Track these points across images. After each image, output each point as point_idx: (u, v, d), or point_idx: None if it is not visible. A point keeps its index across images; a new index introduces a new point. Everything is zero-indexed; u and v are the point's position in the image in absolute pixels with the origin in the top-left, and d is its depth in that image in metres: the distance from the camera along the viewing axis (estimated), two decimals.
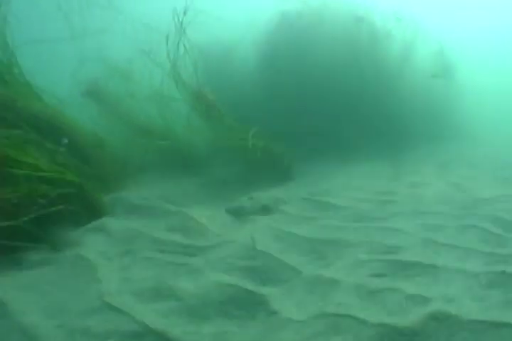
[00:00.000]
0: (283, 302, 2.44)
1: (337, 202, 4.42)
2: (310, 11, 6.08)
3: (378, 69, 6.04)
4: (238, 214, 4.28)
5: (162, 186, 4.98)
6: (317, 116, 5.77)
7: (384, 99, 6.00)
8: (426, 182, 5.01)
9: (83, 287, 2.54)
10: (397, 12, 6.34)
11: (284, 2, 6.25)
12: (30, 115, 3.83)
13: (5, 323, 2.12)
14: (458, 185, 4.78)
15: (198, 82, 4.67)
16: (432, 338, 2.03)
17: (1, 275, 2.68)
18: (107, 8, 5.08)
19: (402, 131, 6.05)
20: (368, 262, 2.86)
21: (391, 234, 3.33)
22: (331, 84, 5.81)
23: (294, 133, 5.79)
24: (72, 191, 3.48)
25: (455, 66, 7.08)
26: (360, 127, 5.91)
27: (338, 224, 3.70)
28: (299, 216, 4.09)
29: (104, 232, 3.44)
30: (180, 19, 4.47)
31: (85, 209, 3.60)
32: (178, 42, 4.47)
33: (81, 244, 3.17)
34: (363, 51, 5.95)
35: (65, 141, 3.71)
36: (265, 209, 4.42)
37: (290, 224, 3.80)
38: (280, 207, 4.40)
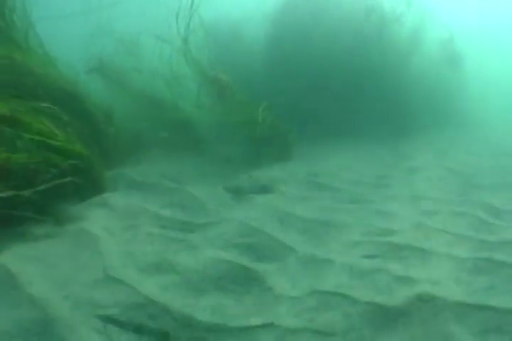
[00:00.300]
0: (277, 279, 2.56)
1: (334, 183, 4.52)
2: None
3: (385, 53, 6.00)
4: (237, 192, 4.38)
5: (164, 163, 5.06)
6: (320, 98, 5.79)
7: (389, 83, 5.99)
8: (423, 167, 5.09)
9: (87, 260, 2.65)
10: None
11: None
12: (48, 83, 3.86)
13: (16, 294, 2.24)
14: (455, 172, 4.86)
15: (208, 58, 4.66)
16: (417, 317, 2.16)
17: (7, 247, 2.78)
18: None
19: (406, 117, 6.09)
20: (362, 243, 2.98)
21: (385, 217, 3.44)
22: (336, 66, 5.80)
23: (296, 114, 5.82)
24: (81, 164, 3.54)
25: (463, 53, 7.00)
26: (363, 111, 5.93)
27: (334, 206, 3.81)
28: (297, 196, 4.19)
29: (107, 207, 3.53)
30: None
31: (90, 184, 3.67)
32: (190, 19, 4.44)
33: (84, 219, 3.27)
34: (370, 34, 5.90)
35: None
36: (264, 189, 4.52)
37: (287, 204, 3.90)
38: (278, 187, 4.50)
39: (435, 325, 2.12)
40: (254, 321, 2.14)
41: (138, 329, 2.06)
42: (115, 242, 2.99)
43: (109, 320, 2.09)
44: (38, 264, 2.60)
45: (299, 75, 5.76)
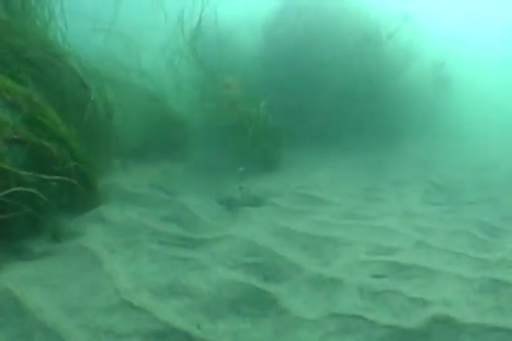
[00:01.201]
0: (291, 300, 2.56)
1: (326, 196, 4.57)
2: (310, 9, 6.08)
3: (376, 68, 6.14)
4: (230, 204, 4.35)
5: (153, 170, 4.94)
6: (306, 108, 5.85)
7: (379, 95, 6.13)
8: (409, 181, 5.23)
9: (95, 282, 2.55)
10: (404, 11, 6.38)
11: None
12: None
13: (25, 322, 2.12)
14: (441, 187, 5.02)
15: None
16: (436, 338, 2.21)
17: (5, 266, 2.64)
18: None
19: (388, 128, 6.24)
20: (367, 263, 3.02)
21: (384, 234, 3.51)
22: (325, 78, 5.88)
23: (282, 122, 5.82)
24: (79, 167, 3.37)
25: (454, 70, 7.21)
26: (348, 119, 6.04)
27: (331, 221, 3.84)
28: (290, 210, 4.20)
29: (103, 222, 3.42)
30: None
31: (85, 195, 3.52)
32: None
33: (82, 234, 3.15)
34: (360, 51, 6.02)
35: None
36: (256, 201, 4.51)
37: (283, 218, 3.90)
38: (271, 199, 4.50)
39: None
40: None
41: None
42: (118, 261, 2.89)
43: None
44: (42, 286, 2.48)
45: (286, 85, 5.79)
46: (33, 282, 2.49)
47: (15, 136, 2.68)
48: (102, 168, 4.59)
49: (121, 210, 3.71)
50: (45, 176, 2.92)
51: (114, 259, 2.91)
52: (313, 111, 5.90)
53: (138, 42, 4.67)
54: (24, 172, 2.87)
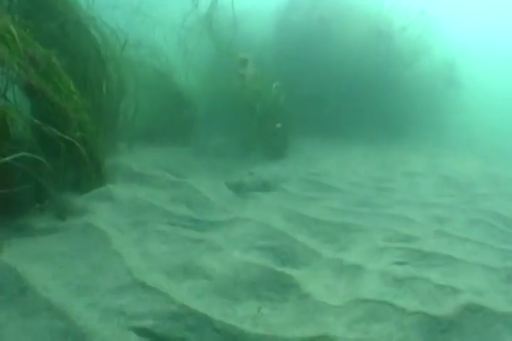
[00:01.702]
0: (312, 285, 2.37)
1: (336, 184, 4.39)
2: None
3: (385, 65, 6.00)
4: (239, 189, 4.16)
5: (159, 152, 4.72)
6: (316, 101, 5.66)
7: (389, 90, 5.99)
8: (419, 173, 5.07)
9: (103, 261, 2.35)
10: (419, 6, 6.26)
11: None
12: None
13: (29, 300, 1.91)
14: (452, 180, 4.85)
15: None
16: (469, 328, 2.05)
17: (7, 243, 2.42)
18: None
19: (396, 123, 6.10)
20: (387, 249, 2.85)
21: (401, 222, 3.33)
22: (338, 73, 5.71)
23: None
24: (86, 138, 3.14)
25: (463, 71, 7.06)
26: (357, 110, 5.87)
27: (344, 208, 3.66)
28: (301, 196, 4.01)
29: (110, 201, 3.20)
30: None
31: (92, 172, 3.30)
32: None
33: (88, 212, 2.93)
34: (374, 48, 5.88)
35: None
36: (265, 186, 4.32)
37: (294, 204, 3.72)
38: (280, 185, 4.31)
39: (489, 336, 2.01)
40: (306, 332, 1.94)
41: None
42: (127, 241, 2.69)
43: (145, 333, 1.81)
44: (46, 264, 2.27)
45: (300, 76, 5.59)
46: (36, 259, 2.28)
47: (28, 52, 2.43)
48: (108, 148, 4.38)
49: (129, 190, 3.50)
50: (64, 136, 2.66)
51: (123, 238, 2.70)
52: (321, 100, 5.71)
53: (153, 18, 4.41)
54: (37, 121, 2.61)
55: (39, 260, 2.30)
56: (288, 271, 2.48)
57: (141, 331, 1.82)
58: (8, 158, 2.43)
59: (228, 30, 4.73)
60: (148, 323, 1.87)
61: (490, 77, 7.80)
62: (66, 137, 2.81)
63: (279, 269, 2.46)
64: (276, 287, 2.33)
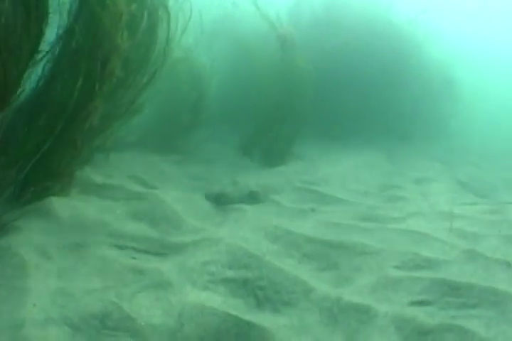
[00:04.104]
0: None
1: (337, 193, 3.51)
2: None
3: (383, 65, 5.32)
4: (220, 201, 3.31)
5: (131, 163, 3.90)
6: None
7: (381, 95, 5.29)
8: (430, 178, 4.17)
9: (6, 298, 1.52)
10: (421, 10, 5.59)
11: None
12: None
13: None
14: (468, 186, 3.95)
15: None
16: None
17: None
18: None
19: (394, 126, 5.33)
20: (403, 281, 1.96)
21: (417, 240, 2.44)
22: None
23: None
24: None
25: (459, 75, 6.36)
26: (354, 115, 5.12)
27: (346, 222, 2.78)
28: (295, 208, 3.15)
29: (47, 217, 2.37)
30: None
31: (35, 182, 2.50)
32: None
33: (15, 232, 2.11)
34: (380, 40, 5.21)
35: None
36: (253, 198, 3.45)
37: (284, 218, 2.86)
38: (271, 195, 3.45)
39: None
40: None
41: None
42: (50, 271, 1.86)
43: None
44: None
45: None
46: None
47: None
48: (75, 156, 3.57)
49: (78, 203, 2.68)
50: None
51: (45, 268, 1.87)
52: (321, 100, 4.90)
53: None
54: None
55: None
56: (261, 318, 1.61)
57: None
58: None
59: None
60: None
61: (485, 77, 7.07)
62: None
63: (247, 317, 1.59)
64: None
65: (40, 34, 2.04)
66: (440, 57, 6.35)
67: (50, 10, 2.09)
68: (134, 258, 2.16)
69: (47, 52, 2.28)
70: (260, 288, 1.86)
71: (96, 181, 3.16)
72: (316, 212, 3.10)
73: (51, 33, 2.34)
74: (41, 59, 2.22)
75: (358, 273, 2.07)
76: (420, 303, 1.78)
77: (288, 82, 4.50)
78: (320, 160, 4.58)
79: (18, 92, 2.10)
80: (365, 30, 5.48)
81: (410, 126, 5.50)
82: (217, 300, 1.71)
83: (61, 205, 2.57)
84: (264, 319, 1.62)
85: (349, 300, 1.76)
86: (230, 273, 1.92)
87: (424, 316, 1.66)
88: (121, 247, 2.23)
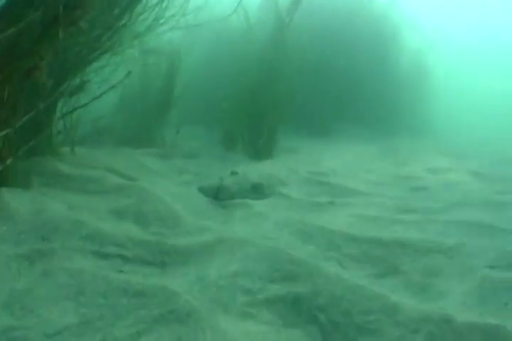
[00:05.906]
0: None
1: (352, 185, 2.91)
2: None
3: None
4: (218, 195, 2.60)
5: (104, 156, 3.10)
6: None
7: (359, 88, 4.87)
8: (443, 168, 3.66)
9: None
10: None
11: None
12: None
13: None
14: (487, 177, 3.45)
15: None
16: None
17: None
18: None
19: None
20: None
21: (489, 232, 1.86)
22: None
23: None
24: None
25: (434, 64, 6.05)
26: (338, 105, 4.66)
27: (383, 216, 2.17)
28: (309, 202, 2.50)
29: (2, 216, 1.61)
30: None
31: None
32: None
33: None
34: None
35: None
36: (257, 191, 2.79)
37: (306, 214, 2.22)
38: (277, 188, 2.80)
39: None
40: None
41: None
42: None
43: None
44: None
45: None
46: None
47: None
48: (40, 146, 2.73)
49: (42, 198, 1.91)
50: None
51: None
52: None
53: None
54: None
55: None
56: None
57: None
58: None
59: None
60: None
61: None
62: None
63: None
64: None
65: None
66: (415, 46, 6.04)
67: None
68: (122, 271, 1.44)
69: None
70: (321, 310, 1.20)
71: (64, 171, 2.38)
72: (335, 205, 2.48)
73: None
74: None
75: (440, 279, 1.46)
76: None
77: (272, 69, 3.88)
78: (315, 152, 3.97)
79: None
80: (346, 12, 5.05)
81: (395, 116, 5.07)
82: (265, 334, 1.04)
83: (16, 199, 1.81)
84: None
85: (465, 321, 1.13)
86: (273, 289, 1.25)
87: None
88: (102, 255, 1.51)
